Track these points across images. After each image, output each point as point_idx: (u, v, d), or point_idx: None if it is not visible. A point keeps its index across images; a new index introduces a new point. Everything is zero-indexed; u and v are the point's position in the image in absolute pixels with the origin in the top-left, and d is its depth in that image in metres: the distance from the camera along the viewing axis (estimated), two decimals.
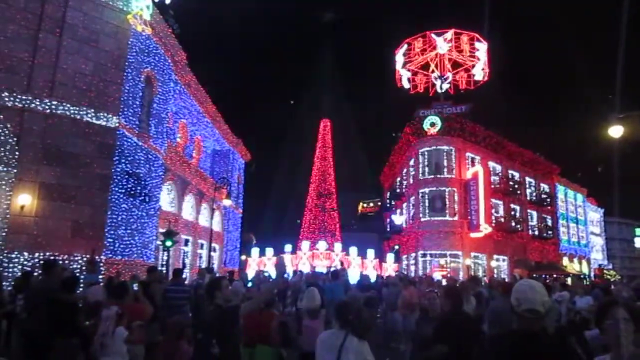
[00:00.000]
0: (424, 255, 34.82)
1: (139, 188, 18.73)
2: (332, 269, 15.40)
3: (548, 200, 43.90)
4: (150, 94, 20.41)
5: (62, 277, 6.69)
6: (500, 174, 39.08)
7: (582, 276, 36.46)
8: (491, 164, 38.38)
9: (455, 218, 34.54)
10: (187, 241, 27.25)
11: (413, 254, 36.44)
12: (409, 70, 42.47)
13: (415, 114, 37.36)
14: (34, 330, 5.84)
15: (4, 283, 9.85)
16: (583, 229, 53.53)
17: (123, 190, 17.75)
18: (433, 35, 41.07)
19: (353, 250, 30.29)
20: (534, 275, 30.56)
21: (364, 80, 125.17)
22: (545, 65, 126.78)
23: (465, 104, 38.48)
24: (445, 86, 39.83)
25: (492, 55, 41.31)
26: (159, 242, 20.60)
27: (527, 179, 42.61)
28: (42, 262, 13.96)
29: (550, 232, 43.34)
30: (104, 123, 17.02)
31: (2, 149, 15.02)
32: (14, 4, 15.77)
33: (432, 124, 35.45)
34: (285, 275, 18.48)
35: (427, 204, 35.55)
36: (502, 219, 37.87)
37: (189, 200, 27.97)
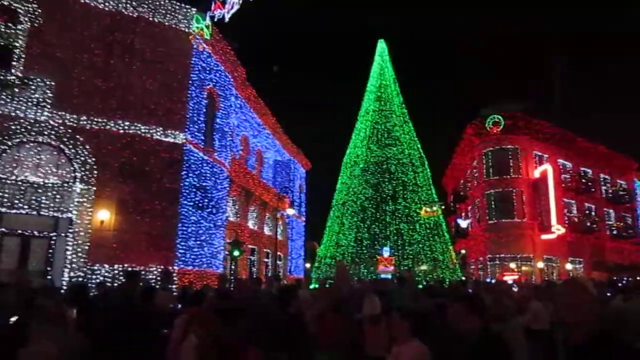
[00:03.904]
0: (492, 259, 33.62)
1: (206, 200, 19.49)
2: (397, 275, 15.20)
3: (626, 197, 41.13)
4: (212, 109, 21.20)
5: (141, 287, 7.05)
6: (571, 172, 37.12)
7: None
8: (561, 161, 36.55)
9: (525, 219, 33.13)
10: (253, 250, 27.92)
11: (481, 258, 35.29)
12: None
13: (477, 114, 36.30)
14: (113, 338, 6.19)
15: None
16: None
17: (191, 203, 18.52)
18: None
19: None
20: (614, 277, 28.64)
21: (420, 81, 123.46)
22: (615, 52, 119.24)
23: (528, 99, 36.91)
24: None
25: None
26: (226, 252, 21.27)
27: (602, 176, 40.16)
28: (121, 273, 14.95)
29: (630, 231, 40.51)
30: (171, 140, 17.90)
31: (83, 168, 16.17)
32: (88, 35, 16.99)
33: (495, 123, 34.29)
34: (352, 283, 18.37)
35: (493, 206, 34.37)
36: (576, 219, 35.88)
37: (253, 211, 28.68)
